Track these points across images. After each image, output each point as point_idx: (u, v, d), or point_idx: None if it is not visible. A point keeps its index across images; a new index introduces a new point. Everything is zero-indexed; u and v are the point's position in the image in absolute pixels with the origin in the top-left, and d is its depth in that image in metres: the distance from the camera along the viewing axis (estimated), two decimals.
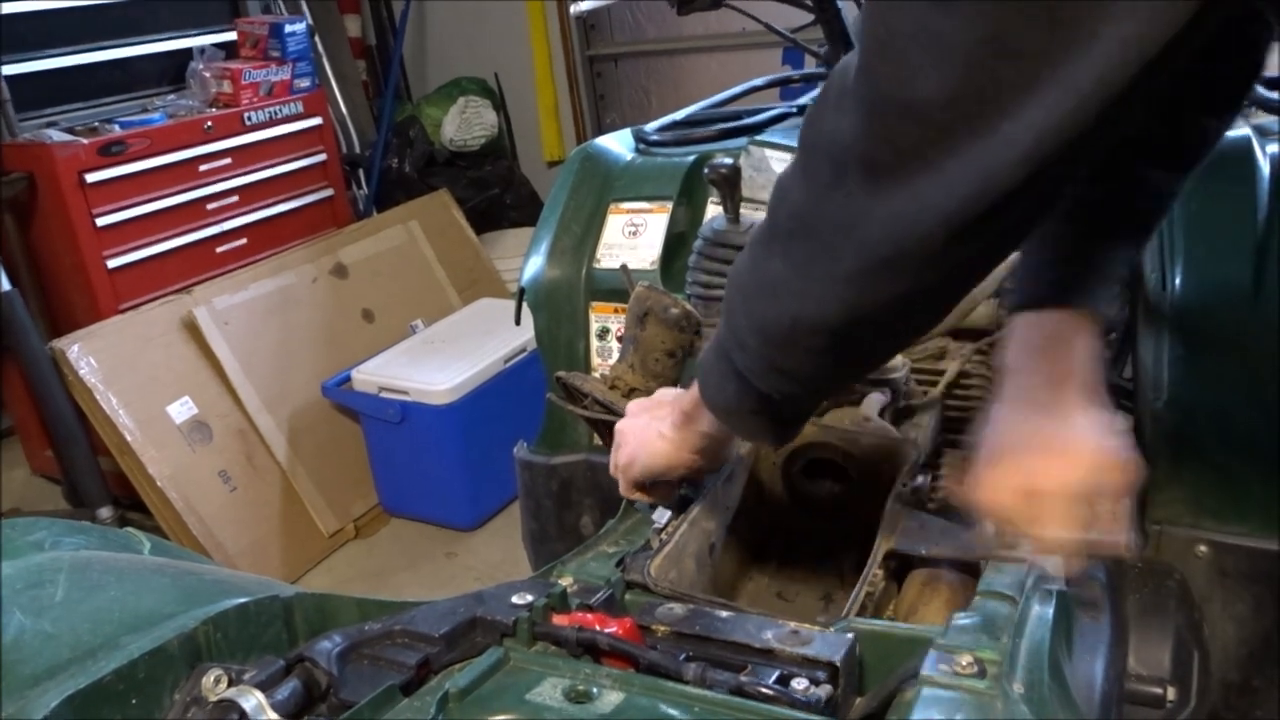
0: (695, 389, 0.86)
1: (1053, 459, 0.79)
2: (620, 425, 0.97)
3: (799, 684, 0.66)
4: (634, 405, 0.99)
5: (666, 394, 0.98)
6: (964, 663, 0.66)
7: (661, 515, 0.95)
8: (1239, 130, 1.43)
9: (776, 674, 0.68)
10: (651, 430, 0.93)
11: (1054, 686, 0.69)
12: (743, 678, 0.67)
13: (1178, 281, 1.32)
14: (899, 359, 1.17)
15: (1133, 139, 0.90)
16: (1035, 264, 0.93)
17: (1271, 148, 1.38)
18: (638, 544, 0.89)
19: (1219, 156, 1.42)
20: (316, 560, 2.98)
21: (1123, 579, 1.30)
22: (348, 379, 3.03)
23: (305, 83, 3.44)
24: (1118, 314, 0.93)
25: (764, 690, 0.65)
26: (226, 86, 3.25)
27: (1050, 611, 0.76)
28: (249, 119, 3.25)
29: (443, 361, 2.97)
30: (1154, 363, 1.33)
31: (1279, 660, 1.30)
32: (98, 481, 2.86)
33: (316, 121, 3.48)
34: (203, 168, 3.14)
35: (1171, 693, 1.22)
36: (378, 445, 3.06)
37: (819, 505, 1.07)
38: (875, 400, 1.13)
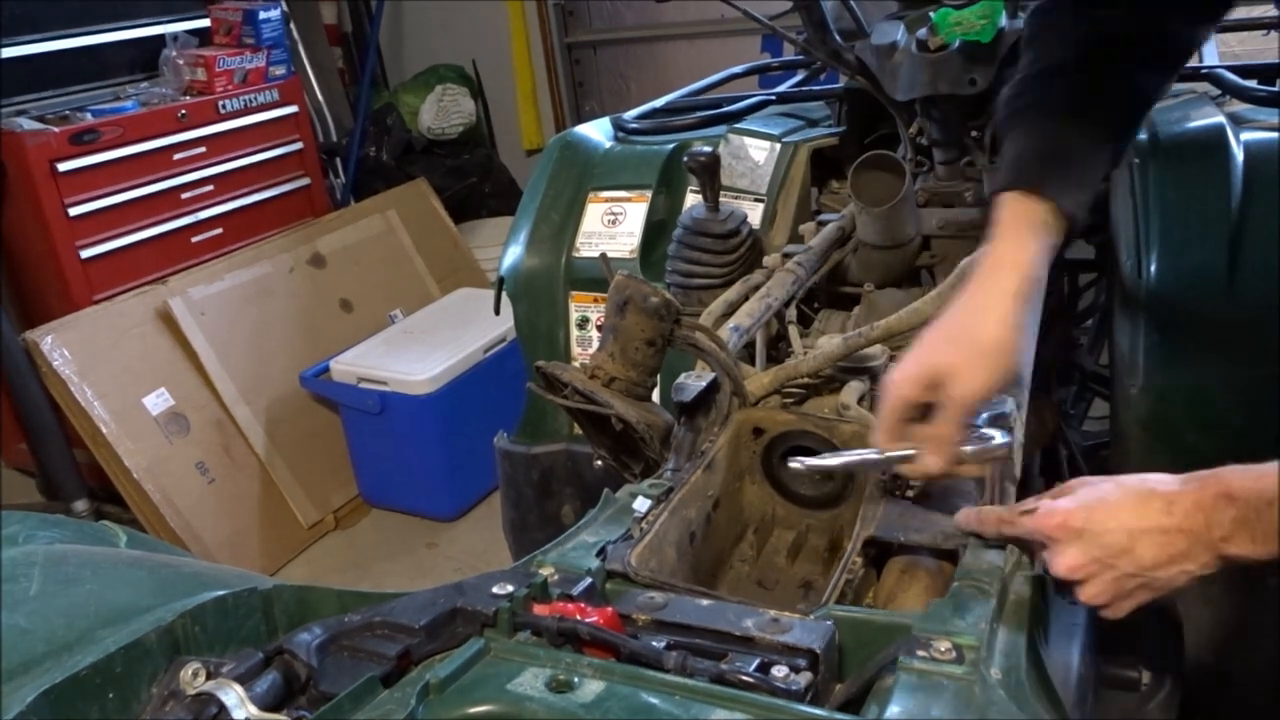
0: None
1: (954, 350, 0.90)
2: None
3: (779, 671, 0.67)
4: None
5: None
6: (942, 649, 0.67)
7: (642, 504, 0.95)
8: (1213, 118, 1.44)
9: (757, 661, 0.68)
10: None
11: (1031, 671, 0.70)
12: (723, 666, 0.67)
13: (1153, 268, 1.33)
14: (877, 347, 1.18)
15: (1118, 38, 0.99)
16: (1017, 153, 1.01)
17: (1245, 135, 1.39)
18: (618, 533, 0.89)
19: (1193, 144, 1.43)
20: (296, 552, 2.96)
21: None
22: (326, 369, 3.01)
23: (280, 70, 3.40)
24: (1085, 219, 0.99)
25: (744, 678, 0.66)
26: (200, 74, 3.21)
27: (1027, 597, 0.77)
28: (223, 107, 3.21)
29: (422, 351, 2.96)
30: (1130, 348, 1.35)
31: (1252, 643, 1.32)
32: (73, 474, 2.84)
33: (292, 109, 3.44)
34: (177, 156, 3.10)
35: (1146, 676, 1.24)
36: (357, 436, 3.05)
37: (798, 493, 1.08)
38: (854, 388, 1.13)
